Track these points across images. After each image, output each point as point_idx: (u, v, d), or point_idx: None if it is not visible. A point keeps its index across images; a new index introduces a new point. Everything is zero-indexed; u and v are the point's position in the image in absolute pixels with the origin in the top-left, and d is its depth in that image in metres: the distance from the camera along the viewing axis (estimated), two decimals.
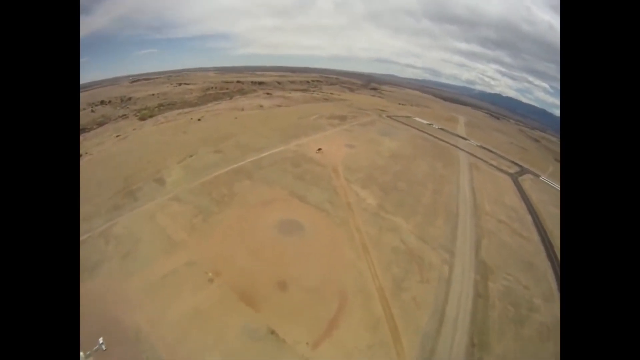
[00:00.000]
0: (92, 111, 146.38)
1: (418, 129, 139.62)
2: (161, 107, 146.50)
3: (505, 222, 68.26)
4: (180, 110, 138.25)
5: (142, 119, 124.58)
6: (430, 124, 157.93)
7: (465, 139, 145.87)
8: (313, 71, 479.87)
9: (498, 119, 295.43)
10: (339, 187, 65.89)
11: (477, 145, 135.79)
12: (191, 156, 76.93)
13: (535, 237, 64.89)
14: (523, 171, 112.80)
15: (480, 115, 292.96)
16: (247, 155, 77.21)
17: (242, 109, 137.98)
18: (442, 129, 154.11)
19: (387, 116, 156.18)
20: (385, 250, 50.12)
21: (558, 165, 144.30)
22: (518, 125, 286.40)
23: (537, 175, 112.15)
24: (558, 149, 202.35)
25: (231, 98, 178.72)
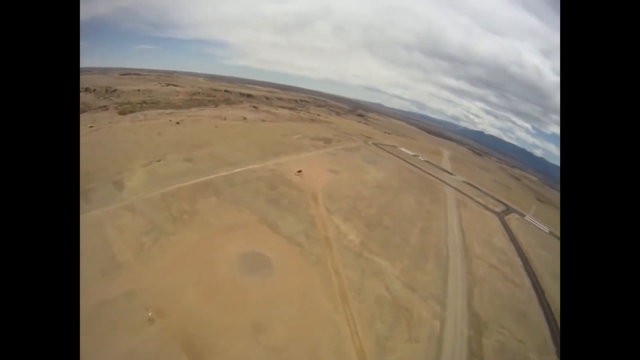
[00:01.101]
0: None
1: (404, 160, 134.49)
2: (144, 105, 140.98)
3: (496, 266, 62.90)
4: (162, 111, 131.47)
5: (122, 113, 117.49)
6: (416, 156, 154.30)
7: (451, 174, 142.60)
8: (302, 91, 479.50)
9: (480, 155, 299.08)
10: (317, 218, 57.02)
11: (463, 181, 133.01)
12: (159, 161, 67.22)
13: (527, 282, 60.46)
14: (509, 210, 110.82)
15: (464, 150, 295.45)
16: (219, 169, 67.79)
17: (225, 119, 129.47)
18: (427, 161, 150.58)
19: (373, 143, 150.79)
20: (368, 301, 41.32)
21: (540, 204, 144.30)
22: (499, 163, 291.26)
23: (522, 215, 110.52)
24: (539, 189, 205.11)
25: (216, 106, 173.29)
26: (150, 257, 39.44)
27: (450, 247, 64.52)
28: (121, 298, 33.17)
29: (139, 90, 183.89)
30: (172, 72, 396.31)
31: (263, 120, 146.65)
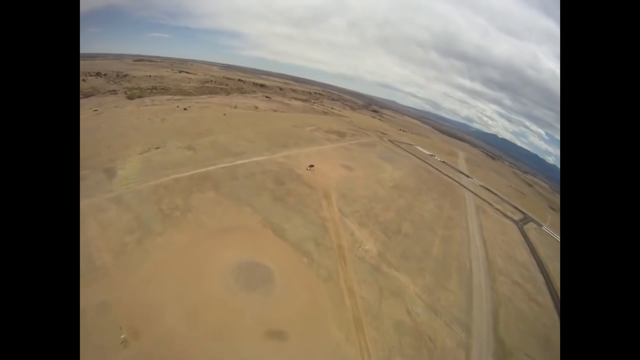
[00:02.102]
0: (84, 80, 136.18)
1: (421, 159, 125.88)
2: (153, 90, 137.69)
3: (519, 283, 55.85)
4: (171, 97, 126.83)
5: (130, 98, 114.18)
6: (432, 155, 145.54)
7: (469, 176, 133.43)
8: (316, 84, 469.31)
9: (494, 159, 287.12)
10: (329, 221, 49.38)
11: (480, 185, 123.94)
12: (157, 148, 60.54)
13: (550, 303, 53.69)
14: (526, 219, 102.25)
15: (477, 153, 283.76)
16: (221, 159, 60.61)
17: (235, 107, 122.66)
18: (444, 162, 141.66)
19: (389, 140, 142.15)
20: (386, 328, 33.91)
21: (555, 214, 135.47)
22: (512, 168, 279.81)
23: (540, 225, 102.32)
24: (551, 197, 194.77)
25: (228, 94, 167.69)
26: (131, 262, 32.76)
27: (473, 260, 56.76)
28: (92, 310, 26.89)
29: (150, 76, 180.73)
30: (187, 61, 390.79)
31: (275, 110, 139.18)
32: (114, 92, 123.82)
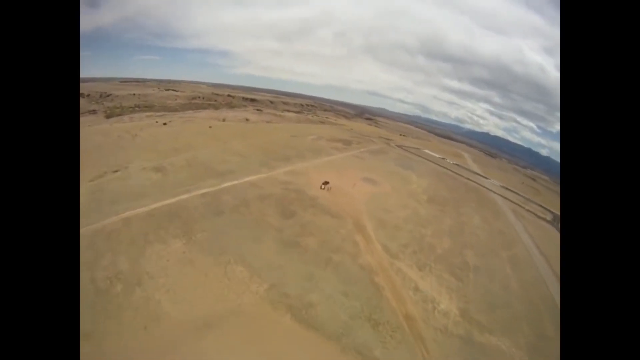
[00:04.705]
0: None
1: (436, 163, 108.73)
2: (136, 108, 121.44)
3: None
4: (153, 114, 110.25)
5: (109, 116, 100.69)
6: (443, 158, 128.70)
7: (486, 177, 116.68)
8: (306, 97, 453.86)
9: (493, 157, 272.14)
10: (378, 272, 30.38)
11: (501, 186, 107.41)
12: (115, 171, 42.49)
13: None
14: (555, 218, 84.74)
15: (476, 152, 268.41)
16: (200, 182, 42.16)
17: (224, 120, 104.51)
18: (457, 164, 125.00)
19: (397, 145, 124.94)
20: None
21: None
22: (510, 164, 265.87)
23: None
24: (554, 188, 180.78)
25: (216, 109, 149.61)
26: None
27: (555, 296, 38.48)
28: None
29: (134, 94, 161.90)
30: (176, 82, 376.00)
31: (268, 122, 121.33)
32: (93, 112, 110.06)
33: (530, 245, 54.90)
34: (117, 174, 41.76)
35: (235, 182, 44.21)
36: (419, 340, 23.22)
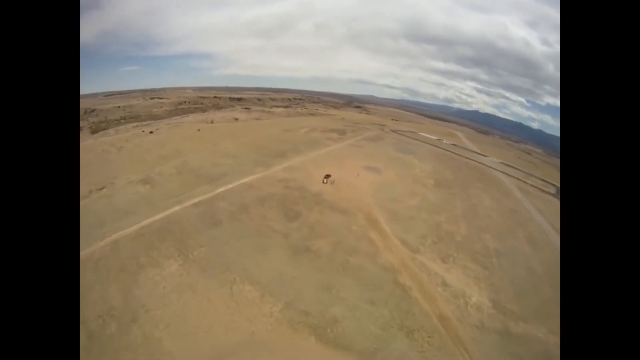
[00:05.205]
0: None
1: (434, 145, 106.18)
2: (121, 120, 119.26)
3: None
4: (138, 124, 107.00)
5: (94, 132, 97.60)
6: (440, 139, 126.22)
7: (485, 155, 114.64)
8: (293, 92, 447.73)
9: (486, 134, 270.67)
10: (401, 271, 27.34)
11: (500, 162, 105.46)
12: (101, 189, 39.17)
13: None
14: (559, 191, 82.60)
15: (468, 130, 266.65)
16: (192, 190, 38.82)
17: (212, 122, 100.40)
18: (454, 144, 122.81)
19: (391, 130, 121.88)
20: None
21: None
22: (503, 140, 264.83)
23: None
24: (551, 161, 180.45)
25: (204, 112, 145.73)
26: None
27: None
28: None
29: (119, 107, 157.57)
30: (161, 90, 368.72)
31: (258, 119, 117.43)
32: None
33: (542, 221, 52.72)
34: (103, 192, 38.26)
35: (230, 185, 40.83)
36: (458, 342, 20.44)
